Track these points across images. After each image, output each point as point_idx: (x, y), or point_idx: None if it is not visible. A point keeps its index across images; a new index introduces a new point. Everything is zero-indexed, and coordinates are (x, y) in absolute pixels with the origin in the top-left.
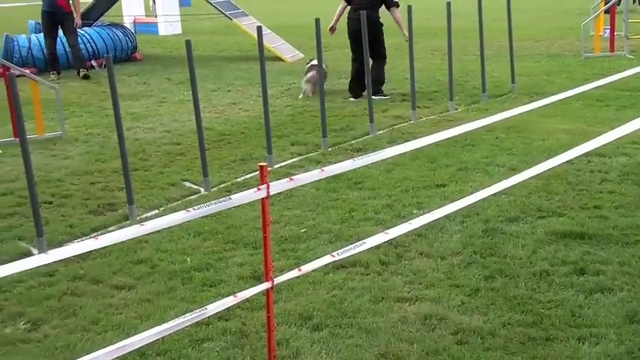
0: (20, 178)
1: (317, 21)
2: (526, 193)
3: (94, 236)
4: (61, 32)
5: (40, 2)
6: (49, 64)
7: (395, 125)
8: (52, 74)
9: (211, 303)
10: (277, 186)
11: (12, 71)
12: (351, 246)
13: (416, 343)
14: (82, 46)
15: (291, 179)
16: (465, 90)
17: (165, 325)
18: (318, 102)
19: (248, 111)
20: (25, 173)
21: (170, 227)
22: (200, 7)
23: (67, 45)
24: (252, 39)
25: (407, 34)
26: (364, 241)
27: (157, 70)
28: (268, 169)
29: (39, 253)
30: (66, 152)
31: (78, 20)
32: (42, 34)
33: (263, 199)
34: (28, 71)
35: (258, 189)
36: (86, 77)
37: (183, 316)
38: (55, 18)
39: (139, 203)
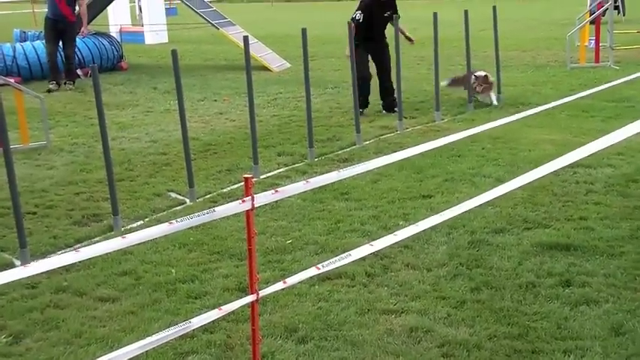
0: (3, 188)
1: (304, 31)
2: (512, 205)
3: (76, 248)
4: None
5: (46, 9)
6: (51, 72)
7: (381, 135)
8: (51, 84)
9: (196, 316)
10: (262, 198)
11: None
12: (336, 258)
13: (402, 356)
14: None
15: (277, 191)
16: (451, 100)
17: (149, 339)
18: (305, 112)
19: (234, 121)
20: (9, 184)
21: (154, 239)
22: (187, 17)
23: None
24: (238, 48)
25: (412, 37)
26: (349, 253)
27: (143, 79)
28: (254, 179)
29: (22, 264)
30: (50, 162)
31: (84, 29)
32: (26, 43)
33: (247, 211)
34: (12, 80)
35: (243, 201)
36: (50, 91)
37: (167, 330)
38: (57, 26)
39: (124, 214)
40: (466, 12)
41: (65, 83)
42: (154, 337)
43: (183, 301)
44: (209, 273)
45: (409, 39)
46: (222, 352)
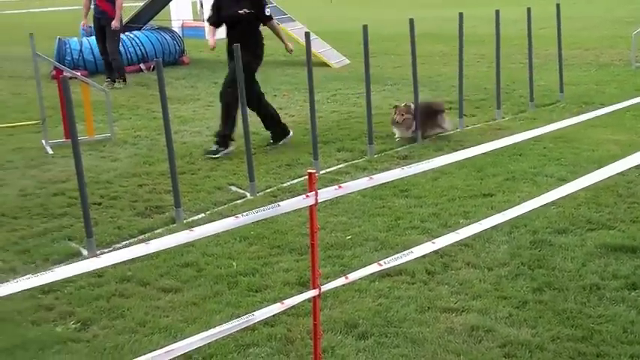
0: (70, 179)
1: (365, 27)
2: (575, 205)
3: (146, 240)
4: None
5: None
6: (105, 70)
7: (441, 133)
8: (106, 81)
9: (258, 309)
10: (325, 193)
11: (65, 74)
12: (398, 255)
13: (463, 355)
14: (131, 49)
15: (340, 187)
16: (512, 98)
17: (212, 330)
18: (365, 108)
19: (294, 116)
20: (77, 175)
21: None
22: None
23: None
24: (298, 44)
25: (290, 45)
26: (411, 250)
27: (204, 74)
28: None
29: (88, 253)
30: (115, 154)
31: (115, 23)
32: (92, 38)
33: (311, 206)
34: (79, 74)
35: (307, 196)
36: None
37: (230, 322)
38: (100, 23)
39: (186, 206)
40: (529, 10)
41: (115, 81)
42: (218, 329)
43: (244, 294)
44: (269, 267)
45: (286, 46)
46: (282, 346)
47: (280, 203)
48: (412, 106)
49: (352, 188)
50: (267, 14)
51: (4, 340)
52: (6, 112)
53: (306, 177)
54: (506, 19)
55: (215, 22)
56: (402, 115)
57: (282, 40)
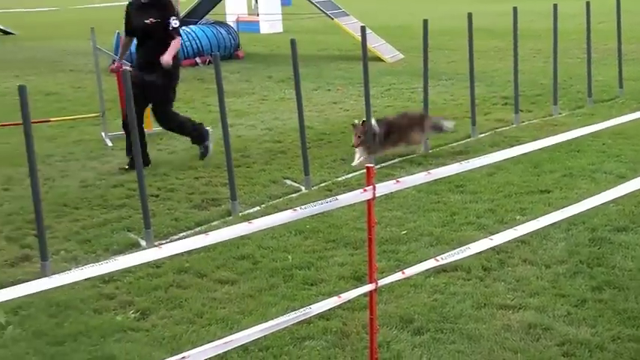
0: (129, 170)
1: (425, 22)
2: (635, 203)
3: (201, 233)
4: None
5: None
6: None
7: (497, 128)
8: None
9: (314, 302)
10: (383, 188)
11: (125, 68)
12: (455, 251)
13: (520, 353)
14: (187, 43)
15: (398, 181)
16: (570, 94)
17: (270, 322)
18: (420, 103)
19: (348, 110)
20: (136, 168)
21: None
22: (301, 7)
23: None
24: (352, 39)
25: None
26: (468, 246)
27: (258, 68)
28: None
29: (147, 244)
30: (171, 147)
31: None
32: None
33: (369, 200)
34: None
35: (364, 190)
36: None
37: (287, 314)
38: None
39: (242, 199)
40: (588, 3)
41: None
42: (275, 321)
43: (300, 287)
44: (324, 260)
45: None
46: (338, 340)
47: (338, 197)
48: (373, 123)
49: (410, 183)
50: (172, 27)
51: (69, 327)
52: (67, 105)
53: (361, 171)
54: (564, 13)
55: (127, 31)
56: (359, 136)
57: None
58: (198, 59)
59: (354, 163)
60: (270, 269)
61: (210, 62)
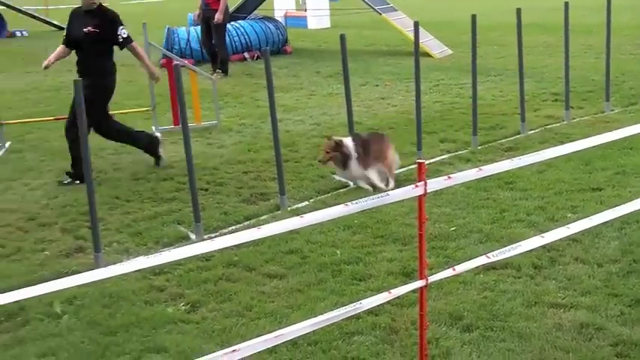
0: (174, 165)
1: (474, 17)
2: None
3: (250, 227)
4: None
5: None
6: (210, 60)
7: (547, 125)
8: (216, 72)
9: (363, 298)
10: (435, 184)
11: (176, 62)
12: (506, 248)
13: (572, 352)
14: (235, 38)
15: (449, 177)
16: (622, 90)
17: (321, 317)
18: (468, 99)
19: (396, 106)
20: (187, 162)
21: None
22: (349, 2)
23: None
24: (400, 34)
25: (155, 71)
26: (519, 243)
27: (306, 63)
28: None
29: (196, 237)
30: (220, 141)
31: (219, 16)
32: (200, 27)
33: (420, 196)
34: (187, 62)
35: (416, 186)
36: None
37: (337, 309)
38: (204, 15)
39: (290, 194)
40: None
41: (215, 71)
42: (326, 316)
43: (348, 282)
44: (373, 256)
45: (152, 74)
46: (386, 335)
47: (389, 192)
48: (345, 141)
49: (461, 179)
50: (122, 37)
51: (121, 318)
52: (119, 99)
53: (409, 167)
54: (616, 6)
55: (65, 41)
56: (327, 152)
57: (147, 67)
58: (246, 54)
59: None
60: (319, 264)
61: (258, 57)
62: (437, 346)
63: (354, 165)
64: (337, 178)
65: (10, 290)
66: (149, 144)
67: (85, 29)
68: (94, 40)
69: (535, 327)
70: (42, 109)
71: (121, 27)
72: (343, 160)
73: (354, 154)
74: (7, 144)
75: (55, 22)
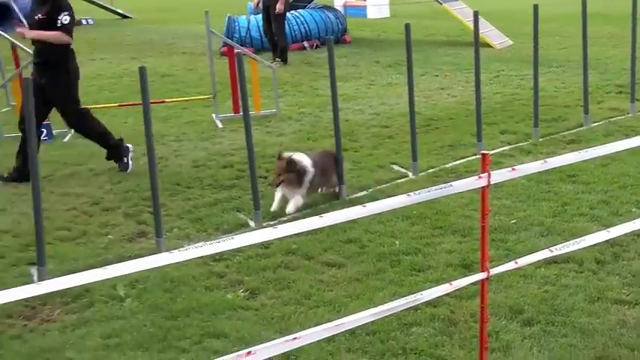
0: (235, 153)
1: (535, 7)
2: None
3: (309, 215)
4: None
5: None
6: (271, 48)
7: (611, 118)
8: (275, 61)
9: (422, 289)
10: (498, 175)
11: (238, 51)
12: (570, 242)
13: (637, 350)
14: (295, 27)
15: (513, 169)
16: None
17: (381, 307)
18: (529, 91)
19: (456, 97)
20: (247, 150)
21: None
22: None
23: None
24: (460, 24)
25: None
26: (584, 237)
27: (365, 52)
28: (478, 156)
29: (255, 225)
30: (280, 129)
31: (279, 6)
32: (260, 16)
33: (483, 187)
34: (247, 50)
35: (479, 177)
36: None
37: (398, 300)
38: (265, 3)
39: (349, 183)
40: None
41: (275, 60)
42: (386, 306)
43: (407, 272)
44: (432, 247)
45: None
46: (445, 327)
47: (452, 183)
48: (298, 159)
49: (525, 171)
50: (61, 23)
51: (182, 302)
52: (180, 86)
53: (469, 158)
54: None
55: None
56: (279, 175)
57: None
58: (305, 43)
59: (273, 208)
60: (377, 254)
61: (317, 46)
62: (497, 339)
63: (306, 184)
64: (275, 202)
65: (76, 272)
66: (117, 152)
67: (36, 17)
68: (45, 27)
69: (598, 323)
70: (106, 95)
71: (64, 13)
72: (298, 179)
73: (310, 171)
74: (73, 130)
75: (119, 10)
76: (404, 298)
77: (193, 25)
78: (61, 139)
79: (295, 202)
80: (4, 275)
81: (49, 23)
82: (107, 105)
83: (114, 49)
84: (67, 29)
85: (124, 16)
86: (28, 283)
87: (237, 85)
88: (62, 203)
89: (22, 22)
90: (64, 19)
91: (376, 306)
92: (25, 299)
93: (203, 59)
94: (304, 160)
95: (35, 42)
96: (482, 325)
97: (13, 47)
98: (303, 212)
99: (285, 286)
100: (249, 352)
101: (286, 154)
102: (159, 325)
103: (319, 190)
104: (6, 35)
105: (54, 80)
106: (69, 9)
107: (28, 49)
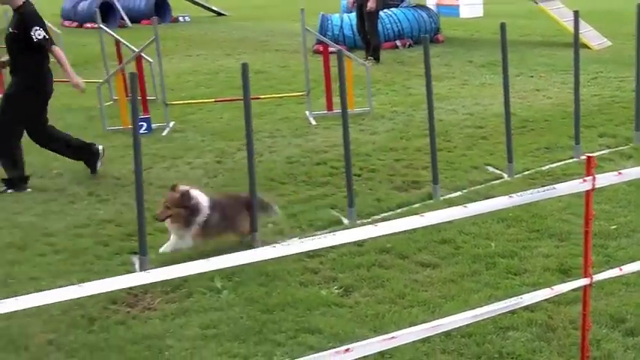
0: (329, 150)
1: (639, 7)
2: None
3: (402, 215)
4: None
5: None
6: (364, 47)
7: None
8: (367, 60)
9: (519, 293)
10: (603, 179)
11: (340, 49)
12: None
13: None
14: (388, 26)
15: (620, 173)
16: None
17: (480, 310)
18: (630, 93)
19: (552, 98)
20: (344, 148)
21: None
22: None
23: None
24: (556, 24)
25: (77, 80)
26: None
27: (458, 52)
28: (575, 159)
29: (349, 222)
30: (373, 128)
31: (371, 4)
32: (353, 14)
33: (588, 191)
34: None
35: (584, 180)
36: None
37: (497, 303)
38: (358, 1)
39: (442, 183)
40: None
41: (367, 58)
42: (485, 309)
43: (503, 275)
44: (528, 250)
45: (74, 84)
46: (543, 333)
47: (555, 186)
48: (194, 195)
49: (633, 175)
50: (37, 38)
51: (277, 297)
52: (274, 83)
53: (566, 161)
54: None
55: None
56: (168, 208)
57: (67, 74)
58: (398, 42)
59: (162, 249)
60: (472, 255)
61: (410, 45)
62: (598, 348)
63: (196, 225)
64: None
65: (175, 264)
66: (88, 156)
67: (9, 28)
68: (14, 41)
69: None
70: (202, 91)
71: (35, 28)
72: (188, 217)
73: (204, 212)
74: (172, 124)
75: (215, 8)
76: (503, 301)
77: (287, 22)
78: (160, 133)
79: (175, 243)
80: (109, 263)
81: (20, 38)
82: (204, 101)
83: (209, 46)
84: (44, 43)
85: (219, 14)
86: (130, 272)
87: (330, 82)
88: (161, 195)
89: (124, 20)
90: (37, 34)
91: (473, 308)
92: (129, 287)
93: (296, 57)
94: (201, 197)
95: (9, 52)
96: (584, 332)
97: (117, 43)
98: (397, 211)
99: (379, 285)
100: (347, 350)
101: (182, 187)
102: (255, 318)
103: (220, 235)
104: (110, 32)
105: (14, 93)
106: (39, 23)
107: (132, 47)
